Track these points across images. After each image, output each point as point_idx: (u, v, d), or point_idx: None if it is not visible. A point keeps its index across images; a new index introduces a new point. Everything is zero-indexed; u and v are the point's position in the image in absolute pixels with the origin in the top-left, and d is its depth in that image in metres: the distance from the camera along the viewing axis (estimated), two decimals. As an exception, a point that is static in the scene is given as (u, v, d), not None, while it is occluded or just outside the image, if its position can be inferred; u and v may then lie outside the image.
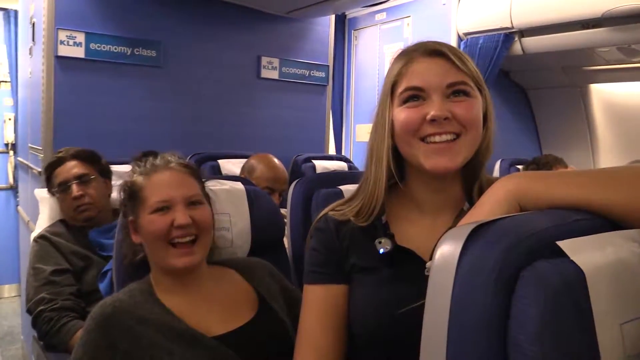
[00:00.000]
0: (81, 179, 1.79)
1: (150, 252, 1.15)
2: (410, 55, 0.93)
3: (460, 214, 0.92)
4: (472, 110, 0.89)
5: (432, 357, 0.52)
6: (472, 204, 0.91)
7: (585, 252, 0.52)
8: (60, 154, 1.84)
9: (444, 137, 0.88)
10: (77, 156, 1.82)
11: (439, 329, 0.52)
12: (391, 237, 0.92)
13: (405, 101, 0.91)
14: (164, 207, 1.12)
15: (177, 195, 1.14)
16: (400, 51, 0.97)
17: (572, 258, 0.51)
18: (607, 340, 0.50)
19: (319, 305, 0.96)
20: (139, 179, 1.17)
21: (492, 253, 0.51)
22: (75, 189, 1.75)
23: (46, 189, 1.91)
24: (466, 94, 0.90)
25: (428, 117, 0.88)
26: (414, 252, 0.91)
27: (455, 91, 0.89)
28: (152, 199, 1.13)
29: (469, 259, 0.52)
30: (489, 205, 0.67)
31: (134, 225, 1.17)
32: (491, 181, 0.92)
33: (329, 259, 0.98)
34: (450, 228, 0.89)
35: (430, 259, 0.88)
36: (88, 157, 1.84)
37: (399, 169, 0.96)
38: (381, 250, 0.91)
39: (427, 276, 0.87)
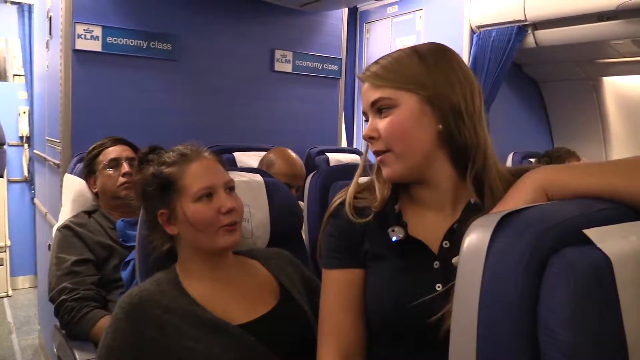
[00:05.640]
0: (131, 162, 1.94)
1: (194, 238, 1.16)
2: None
3: (468, 206, 0.93)
4: (392, 124, 0.93)
5: (463, 342, 0.54)
6: (481, 197, 0.92)
7: (611, 240, 0.54)
8: (108, 139, 2.01)
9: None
10: (127, 143, 2.00)
11: (469, 316, 0.53)
12: (404, 225, 0.94)
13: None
14: (209, 194, 1.15)
15: (219, 181, 1.18)
16: None
17: (598, 246, 0.53)
18: (632, 326, 0.51)
19: (338, 289, 0.99)
20: (169, 170, 1.18)
21: (521, 240, 0.53)
22: (126, 166, 1.91)
23: (74, 175, 2.05)
24: (390, 107, 0.94)
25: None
26: (424, 243, 0.93)
27: (379, 108, 0.95)
28: (195, 187, 1.15)
29: (499, 247, 0.53)
30: (517, 195, 0.69)
31: (169, 216, 1.18)
32: (502, 173, 0.93)
33: (344, 244, 1.00)
34: (457, 221, 0.92)
35: (438, 251, 0.91)
36: (134, 149, 2.01)
37: None
38: (394, 238, 0.92)
39: (437, 268, 0.90)
